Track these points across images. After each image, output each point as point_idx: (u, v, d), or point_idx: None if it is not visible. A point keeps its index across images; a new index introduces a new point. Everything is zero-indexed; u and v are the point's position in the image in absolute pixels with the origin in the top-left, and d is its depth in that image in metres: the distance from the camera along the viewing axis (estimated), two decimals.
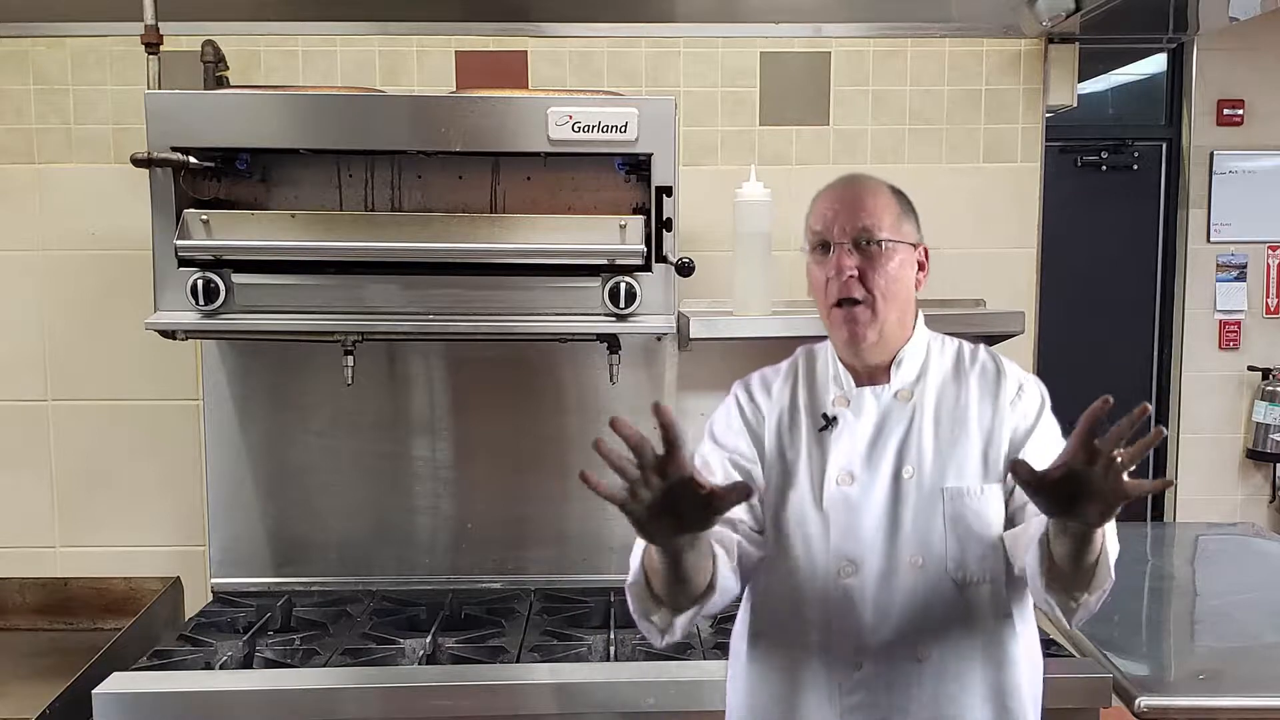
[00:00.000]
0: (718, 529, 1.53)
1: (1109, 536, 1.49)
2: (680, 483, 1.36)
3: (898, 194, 1.72)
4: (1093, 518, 1.37)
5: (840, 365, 1.73)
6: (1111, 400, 1.31)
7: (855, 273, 1.63)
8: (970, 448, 1.67)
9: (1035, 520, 1.56)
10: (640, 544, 1.58)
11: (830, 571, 1.65)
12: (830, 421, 1.71)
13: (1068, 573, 1.49)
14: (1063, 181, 4.02)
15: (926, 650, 1.63)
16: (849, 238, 1.64)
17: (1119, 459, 1.31)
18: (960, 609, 1.64)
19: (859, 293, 1.63)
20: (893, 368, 1.71)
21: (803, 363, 1.80)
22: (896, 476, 1.66)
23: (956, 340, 1.79)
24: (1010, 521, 1.67)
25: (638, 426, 1.37)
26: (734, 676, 1.80)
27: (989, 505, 1.65)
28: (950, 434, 1.68)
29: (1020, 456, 1.49)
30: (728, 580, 1.62)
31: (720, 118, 2.84)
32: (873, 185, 1.71)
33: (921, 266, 1.72)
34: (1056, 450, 1.42)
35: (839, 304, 1.65)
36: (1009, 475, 1.51)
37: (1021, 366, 1.79)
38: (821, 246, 1.67)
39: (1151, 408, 1.33)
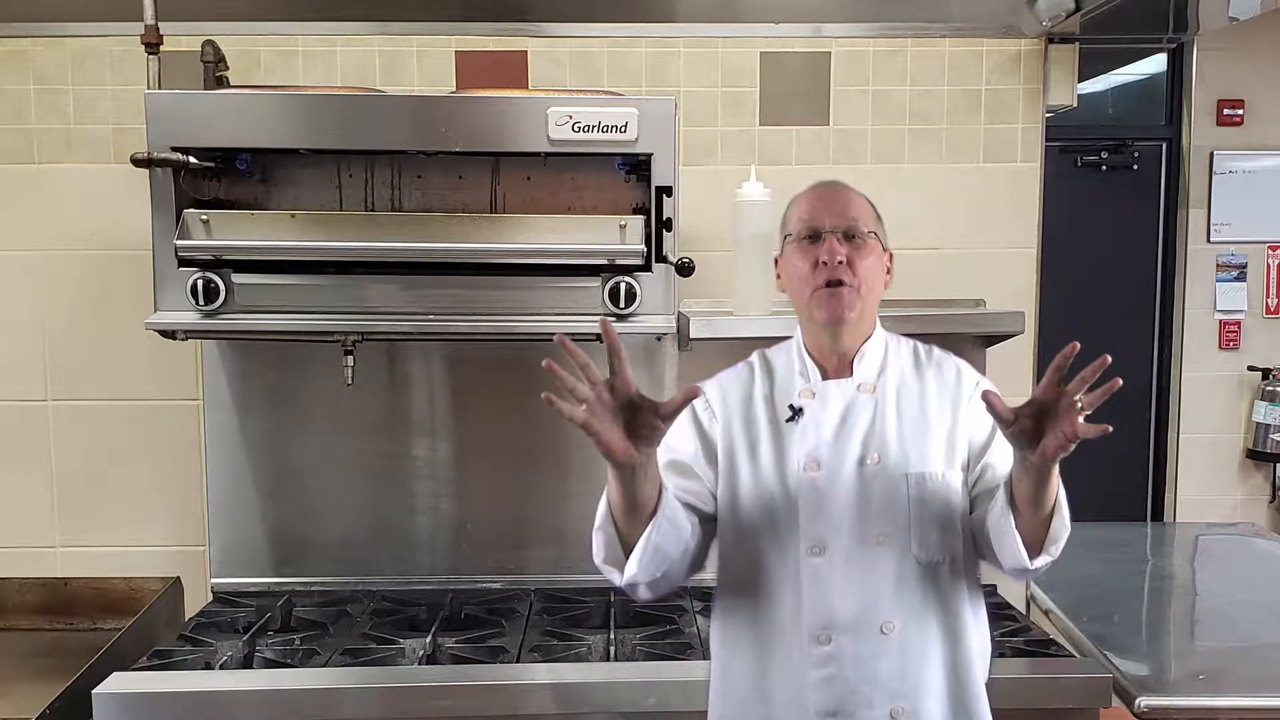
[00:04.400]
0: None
1: (1062, 502, 1.64)
2: (629, 401, 1.55)
3: (870, 202, 1.84)
4: (1050, 450, 1.52)
5: (808, 359, 1.83)
6: (1079, 346, 1.50)
7: (845, 259, 1.74)
8: (932, 436, 1.78)
9: (1000, 490, 1.68)
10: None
11: (799, 553, 1.73)
12: (797, 412, 1.80)
13: (1028, 519, 1.63)
14: (1063, 181, 4.01)
15: (891, 624, 1.71)
16: (841, 229, 1.76)
17: (1079, 401, 1.49)
18: (922, 585, 1.73)
19: (848, 276, 1.74)
20: (855, 362, 1.81)
21: (759, 363, 1.89)
22: (861, 463, 1.75)
23: (911, 340, 1.90)
24: (973, 505, 1.77)
25: None
26: (712, 655, 1.87)
27: (951, 489, 1.76)
28: (913, 424, 1.78)
29: (986, 458, 1.75)
30: (677, 512, 1.69)
31: (720, 118, 2.84)
32: (851, 189, 1.84)
33: (888, 270, 1.83)
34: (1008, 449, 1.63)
35: (825, 285, 1.75)
36: (969, 461, 1.76)
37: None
38: (810, 236, 1.77)
39: (1110, 359, 1.48)
